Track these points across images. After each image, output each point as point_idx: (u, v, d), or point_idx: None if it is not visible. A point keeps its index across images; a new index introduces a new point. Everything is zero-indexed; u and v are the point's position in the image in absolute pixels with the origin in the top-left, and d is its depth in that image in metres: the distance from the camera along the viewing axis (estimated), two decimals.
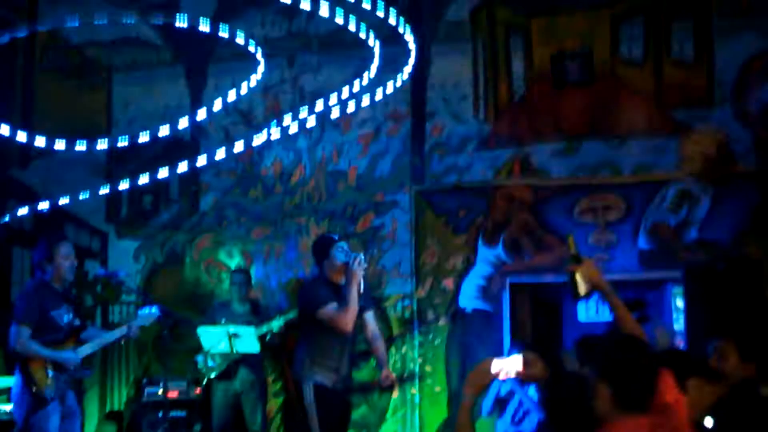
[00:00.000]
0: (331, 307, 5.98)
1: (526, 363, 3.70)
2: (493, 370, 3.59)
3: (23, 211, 8.93)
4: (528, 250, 8.18)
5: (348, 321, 5.98)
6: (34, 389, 5.86)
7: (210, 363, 7.81)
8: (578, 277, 3.49)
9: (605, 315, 7.85)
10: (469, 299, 8.26)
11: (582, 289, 3.52)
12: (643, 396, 2.88)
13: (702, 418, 3.83)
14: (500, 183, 8.31)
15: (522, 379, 3.72)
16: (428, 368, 8.27)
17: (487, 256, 8.26)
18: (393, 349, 8.39)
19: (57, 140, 8.27)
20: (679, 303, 7.65)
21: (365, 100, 8.49)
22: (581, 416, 3.35)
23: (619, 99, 8.12)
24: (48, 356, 5.93)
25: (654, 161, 8.01)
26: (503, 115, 8.43)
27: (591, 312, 8.14)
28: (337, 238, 6.45)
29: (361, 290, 6.10)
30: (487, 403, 7.67)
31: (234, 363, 7.69)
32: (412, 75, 8.38)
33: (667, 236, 7.89)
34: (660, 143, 8.01)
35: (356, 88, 8.39)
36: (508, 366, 3.62)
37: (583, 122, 8.19)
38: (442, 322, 8.30)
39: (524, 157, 8.29)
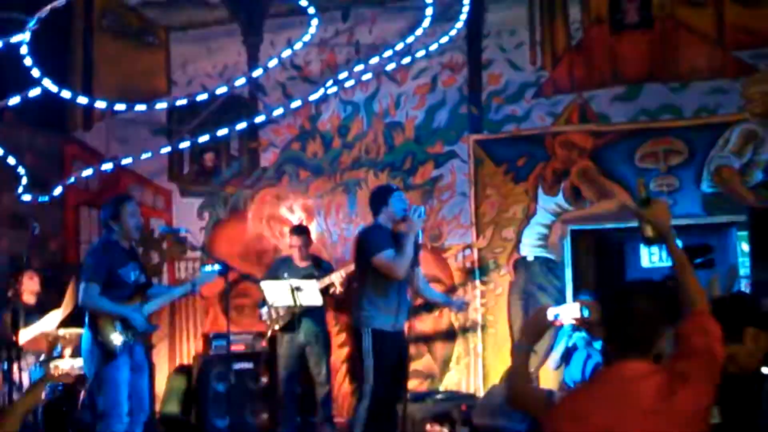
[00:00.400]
0: (387, 254, 6.06)
1: (582, 310, 3.68)
2: (549, 317, 3.58)
3: (88, 172, 9.13)
4: (589, 197, 8.13)
5: (402, 268, 6.06)
6: (103, 343, 6.02)
7: (274, 316, 7.93)
8: (648, 221, 3.43)
9: (670, 260, 7.81)
10: (530, 248, 8.25)
11: (650, 232, 3.47)
12: (637, 343, 2.89)
13: (759, 367, 3.78)
14: (559, 130, 8.24)
15: (579, 326, 3.70)
16: (491, 317, 8.30)
17: (548, 204, 8.23)
18: (454, 298, 8.41)
19: (117, 102, 8.42)
20: (745, 247, 7.54)
21: (421, 51, 8.48)
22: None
23: (680, 41, 7.96)
24: (116, 312, 6.07)
25: (717, 103, 7.87)
26: (561, 61, 8.33)
27: (655, 257, 8.06)
28: (395, 188, 6.50)
29: (419, 241, 6.14)
30: (556, 356, 7.71)
31: (298, 316, 7.76)
32: (467, 24, 8.34)
33: (731, 179, 7.78)
34: (722, 85, 7.86)
35: (411, 40, 8.38)
36: (564, 313, 3.61)
37: (642, 66, 8.06)
38: (503, 271, 8.30)
39: (583, 104, 8.20)
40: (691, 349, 2.87)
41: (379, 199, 6.41)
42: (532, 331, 3.57)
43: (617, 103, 8.10)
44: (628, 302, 2.92)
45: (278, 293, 7.62)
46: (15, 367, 6.86)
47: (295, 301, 7.60)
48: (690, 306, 3.03)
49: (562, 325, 3.72)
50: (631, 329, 2.88)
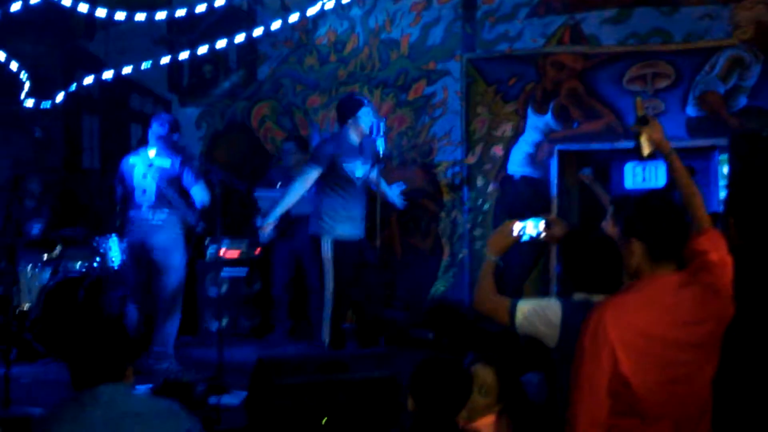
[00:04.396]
0: (308, 170, 6.50)
1: (548, 224, 3.86)
2: (515, 231, 3.80)
3: (89, 79, 9.29)
4: (577, 117, 8.30)
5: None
6: None
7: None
8: (643, 138, 3.55)
9: (653, 182, 8.03)
10: (517, 166, 8.45)
11: (646, 149, 3.57)
12: (676, 246, 3.00)
13: None
14: (550, 51, 8.38)
15: (544, 240, 3.89)
16: (477, 232, 8.55)
17: (537, 124, 8.41)
18: (443, 214, 8.69)
19: (117, 10, 8.54)
20: (725, 170, 7.74)
21: None
22: (595, 271, 3.59)
23: None
24: None
25: (705, 28, 7.98)
26: None
27: (638, 179, 8.24)
28: (366, 101, 6.70)
29: (378, 151, 6.61)
30: None
31: (292, 223, 7.98)
32: None
33: (716, 103, 7.94)
34: (712, 10, 7.95)
35: None
36: (529, 228, 3.82)
37: None
38: (491, 187, 8.52)
39: (575, 25, 8.31)
40: (712, 263, 3.06)
41: (348, 109, 6.61)
42: (498, 244, 3.81)
43: (608, 26, 8.21)
44: (664, 209, 3.02)
45: (271, 203, 7.82)
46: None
47: (289, 210, 7.81)
48: (698, 223, 3.20)
49: (529, 238, 3.88)
50: (668, 235, 2.98)
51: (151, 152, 6.89)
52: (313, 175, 6.43)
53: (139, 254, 6.88)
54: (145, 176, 6.81)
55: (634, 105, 3.68)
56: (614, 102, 8.14)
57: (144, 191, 6.82)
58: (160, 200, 6.80)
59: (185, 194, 6.86)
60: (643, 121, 3.51)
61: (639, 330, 2.87)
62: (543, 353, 3.68)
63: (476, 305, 3.68)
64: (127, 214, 6.94)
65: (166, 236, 6.83)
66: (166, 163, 6.83)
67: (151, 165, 6.82)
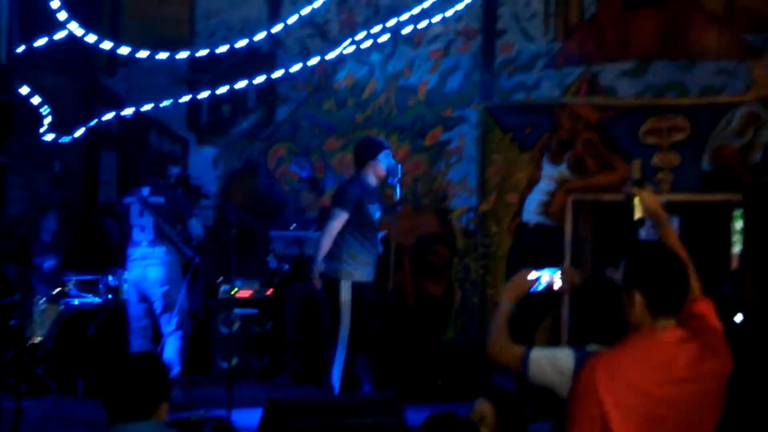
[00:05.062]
0: (337, 213, 6.46)
1: (563, 274, 3.85)
2: (530, 280, 3.79)
3: (109, 115, 9.39)
4: (592, 168, 8.32)
5: (324, 238, 6.51)
6: None
7: (281, 265, 8.21)
8: (636, 202, 3.52)
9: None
10: (532, 214, 8.46)
11: (638, 213, 3.52)
12: (677, 300, 2.97)
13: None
14: (567, 101, 8.42)
15: (559, 290, 3.87)
16: (489, 278, 8.55)
17: (552, 173, 8.42)
18: (456, 259, 8.69)
19: (140, 49, 8.65)
20: (738, 225, 7.73)
21: (437, 17, 8.66)
22: (607, 321, 3.58)
23: (690, 20, 8.09)
24: None
25: (722, 84, 8.02)
26: (573, 33, 8.49)
27: (652, 231, 8.25)
28: (386, 144, 6.75)
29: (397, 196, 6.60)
30: None
31: (305, 265, 8.00)
32: None
33: (731, 158, 7.96)
34: (729, 65, 8.00)
35: (428, 4, 8.56)
36: (545, 277, 3.82)
37: (652, 43, 8.20)
38: (504, 235, 8.52)
39: (592, 77, 8.37)
40: (711, 325, 3.04)
41: (368, 152, 6.65)
42: (513, 292, 3.80)
43: (625, 78, 8.26)
44: (667, 261, 2.99)
45: (286, 243, 7.88)
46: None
47: (302, 252, 7.86)
48: (692, 292, 3.12)
49: (544, 288, 3.86)
50: (669, 287, 2.94)
51: (146, 190, 7.13)
52: (342, 218, 6.43)
53: (141, 289, 7.10)
54: (142, 214, 7.00)
55: (632, 166, 3.65)
56: (630, 154, 8.12)
57: (142, 228, 7.04)
58: (158, 236, 7.03)
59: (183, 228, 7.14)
60: (639, 184, 3.50)
61: (631, 386, 2.84)
62: (554, 402, 3.67)
63: (489, 352, 3.67)
64: (127, 251, 7.15)
65: (166, 271, 7.07)
66: (161, 199, 7.07)
67: (147, 203, 6.98)
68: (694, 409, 2.89)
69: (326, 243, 6.44)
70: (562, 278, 3.80)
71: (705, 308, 3.10)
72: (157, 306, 7.07)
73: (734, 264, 7.69)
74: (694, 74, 8.09)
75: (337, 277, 6.48)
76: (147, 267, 7.04)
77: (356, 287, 6.46)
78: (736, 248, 7.86)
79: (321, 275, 6.50)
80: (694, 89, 8.09)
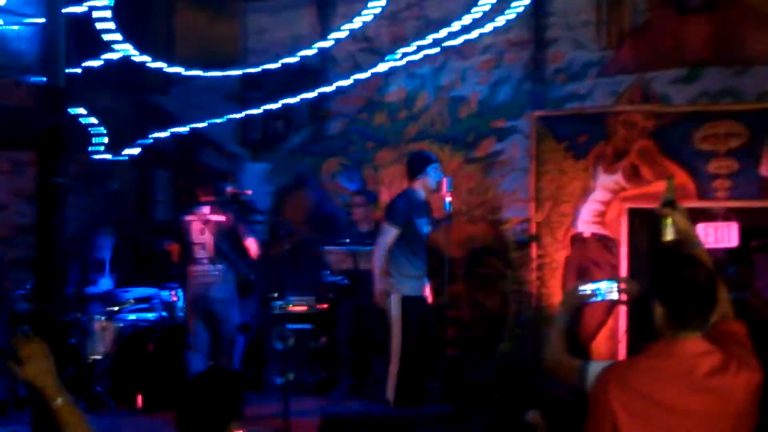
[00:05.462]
0: (389, 230, 6.48)
1: (621, 286, 3.80)
2: (588, 291, 3.73)
3: (163, 134, 9.50)
4: (647, 176, 8.22)
5: (377, 254, 6.57)
6: None
7: (337, 280, 8.22)
8: (668, 222, 3.45)
9: (725, 242, 7.89)
10: (586, 224, 8.38)
11: (669, 235, 3.44)
12: (697, 315, 2.87)
13: None
14: (621, 109, 8.33)
15: (616, 302, 3.81)
16: (544, 290, 8.47)
17: (606, 182, 8.34)
18: (510, 271, 8.64)
19: (193, 68, 8.75)
20: None
21: (487, 27, 8.63)
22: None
23: (744, 25, 7.98)
24: None
25: None
26: (625, 41, 8.42)
27: (710, 239, 8.12)
28: (434, 158, 6.74)
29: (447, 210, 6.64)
30: None
31: (358, 279, 8.01)
32: (533, 1, 8.45)
33: None
34: None
35: (478, 15, 8.53)
36: (602, 288, 3.76)
37: (705, 49, 8.10)
38: (559, 246, 8.45)
39: (645, 84, 8.28)
40: (741, 341, 2.97)
41: (418, 166, 6.71)
42: (569, 304, 3.76)
43: (679, 85, 8.17)
44: (690, 273, 2.90)
45: (340, 258, 7.89)
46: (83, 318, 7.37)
47: (356, 266, 7.86)
48: (723, 316, 3.06)
49: (601, 300, 3.79)
50: (689, 300, 2.86)
51: (206, 209, 7.20)
52: (393, 233, 6.47)
53: (201, 306, 7.22)
54: (202, 232, 7.08)
55: (667, 184, 3.54)
56: (686, 161, 8.04)
57: (203, 246, 7.15)
58: (218, 254, 7.17)
59: (238, 246, 7.28)
60: (671, 205, 3.40)
61: (643, 396, 2.78)
62: None
63: (546, 366, 3.62)
64: (187, 269, 7.28)
65: (225, 289, 7.24)
66: (220, 218, 7.22)
67: (207, 221, 7.07)
68: (713, 421, 2.80)
69: (380, 260, 6.44)
70: (619, 289, 3.75)
71: (737, 328, 3.02)
72: (216, 324, 7.14)
73: None
74: (749, 79, 7.97)
75: (386, 291, 6.50)
76: (207, 285, 7.14)
77: (406, 301, 6.45)
78: None
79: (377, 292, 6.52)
80: (749, 95, 7.96)
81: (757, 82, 7.91)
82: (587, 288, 3.71)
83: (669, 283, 2.90)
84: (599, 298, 3.76)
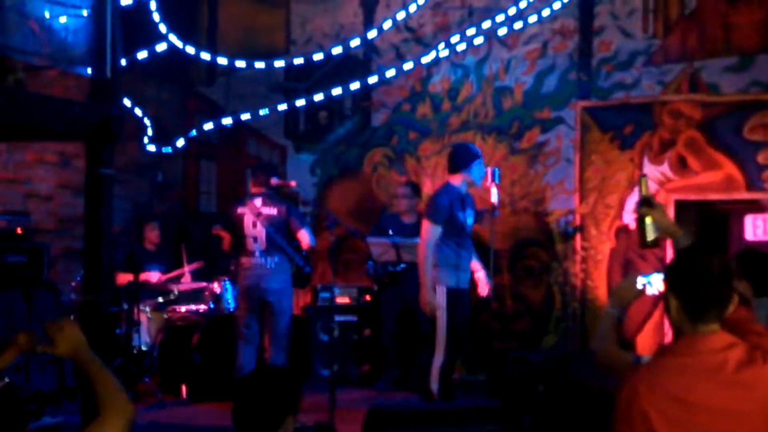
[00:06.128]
0: (432, 227, 6.44)
1: None
2: (639, 285, 3.69)
3: (209, 125, 9.56)
4: (695, 167, 8.13)
5: (422, 250, 6.52)
6: None
7: (379, 271, 8.22)
8: (648, 221, 3.35)
9: None
10: (632, 216, 8.29)
11: (650, 234, 3.39)
12: (713, 307, 2.76)
13: None
14: (668, 99, 8.24)
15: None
16: (590, 283, 8.41)
17: (653, 173, 8.25)
18: (555, 264, 8.59)
19: (238, 59, 8.78)
20: None
21: (533, 17, 8.58)
22: None
23: None
24: None
25: None
26: (673, 29, 8.31)
27: (759, 231, 8.02)
28: (480, 153, 6.73)
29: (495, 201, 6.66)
30: None
31: (403, 271, 8.00)
32: None
33: None
34: None
35: (524, 4, 8.49)
36: (654, 281, 3.72)
37: (755, 37, 7.98)
38: (605, 238, 8.39)
39: (693, 73, 8.17)
40: (756, 329, 2.97)
41: (463, 159, 6.62)
42: (620, 297, 3.71)
43: (728, 74, 8.05)
44: (704, 265, 2.79)
45: (383, 250, 7.87)
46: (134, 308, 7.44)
47: (399, 258, 7.83)
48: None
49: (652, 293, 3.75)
50: (703, 292, 2.76)
51: (258, 201, 7.18)
52: (436, 232, 6.44)
53: (254, 298, 7.18)
54: (254, 225, 7.12)
55: (639, 183, 3.47)
56: (735, 152, 7.95)
57: (255, 239, 7.17)
58: (271, 246, 7.15)
59: (292, 238, 7.22)
60: (648, 204, 3.34)
61: (674, 396, 2.67)
62: None
63: (598, 360, 3.58)
64: (240, 261, 7.26)
65: (279, 280, 7.19)
66: (273, 210, 7.19)
67: (259, 214, 7.09)
68: (751, 417, 2.68)
69: (427, 258, 6.42)
70: None
71: (745, 315, 3.01)
72: (270, 315, 7.15)
73: None
74: None
75: (432, 283, 6.46)
76: (260, 277, 7.16)
77: (451, 293, 6.44)
78: None
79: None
80: None
81: None
82: (638, 281, 3.67)
83: (682, 274, 2.80)
84: (650, 292, 3.73)
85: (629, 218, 8.31)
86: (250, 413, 2.95)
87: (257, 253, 7.16)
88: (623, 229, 8.33)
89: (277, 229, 7.15)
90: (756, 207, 7.89)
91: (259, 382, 3.04)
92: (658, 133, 8.24)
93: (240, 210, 7.25)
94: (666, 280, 2.86)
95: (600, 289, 8.39)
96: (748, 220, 7.88)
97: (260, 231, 7.15)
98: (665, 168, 8.20)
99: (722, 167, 8.01)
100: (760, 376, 2.70)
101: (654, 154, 8.24)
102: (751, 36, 8.02)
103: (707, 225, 8.34)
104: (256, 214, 7.16)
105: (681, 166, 8.16)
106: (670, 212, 8.09)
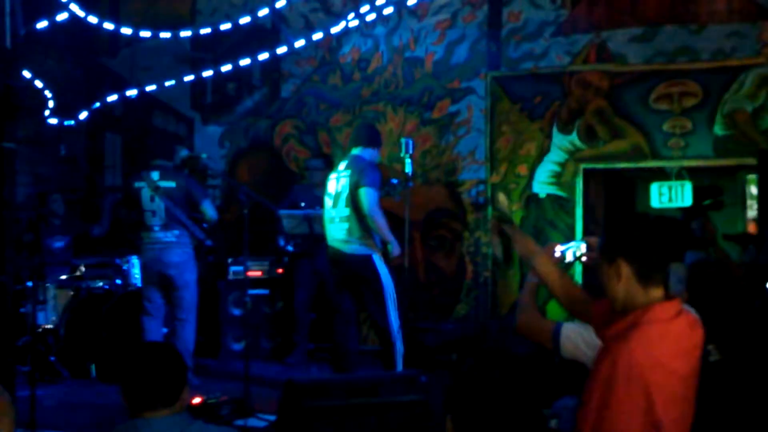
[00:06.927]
0: (376, 194, 6.45)
1: (590, 248, 3.77)
2: (557, 254, 3.71)
3: (113, 98, 9.30)
4: (603, 136, 8.24)
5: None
6: None
7: (291, 244, 8.14)
8: (495, 240, 3.42)
9: (679, 201, 7.94)
10: (542, 185, 8.39)
11: (499, 252, 3.50)
12: (664, 265, 2.81)
13: None
14: (576, 69, 8.33)
15: (586, 263, 3.78)
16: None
17: (562, 143, 8.34)
18: (467, 233, 8.62)
19: (142, 29, 8.54)
20: (754, 190, 7.65)
21: None
22: None
23: None
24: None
25: (733, 47, 7.93)
26: (580, 0, 8.38)
27: (664, 198, 8.17)
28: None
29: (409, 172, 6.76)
30: None
31: (315, 243, 7.93)
32: None
33: (743, 122, 7.87)
34: (740, 28, 7.93)
35: None
36: (571, 250, 3.74)
37: (661, 8, 8.10)
38: (515, 207, 8.46)
39: (601, 44, 8.27)
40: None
41: (378, 137, 6.82)
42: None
43: (634, 44, 8.17)
44: (652, 226, 2.83)
45: (295, 222, 7.80)
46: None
47: (311, 230, 7.77)
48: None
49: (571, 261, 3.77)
50: (658, 253, 2.79)
51: (155, 174, 7.10)
52: (378, 197, 6.50)
53: (155, 273, 7.11)
54: (153, 199, 7.01)
55: (496, 200, 3.54)
56: (641, 121, 8.09)
57: (154, 213, 7.06)
58: (170, 220, 7.06)
59: (194, 211, 7.18)
60: (506, 221, 3.41)
61: (663, 366, 2.67)
62: (582, 377, 3.60)
63: (518, 328, 3.60)
64: (140, 236, 7.17)
65: (179, 253, 7.11)
66: (171, 183, 7.07)
67: (157, 188, 6.98)
68: (691, 379, 2.76)
69: (383, 219, 6.43)
70: (588, 251, 3.73)
71: None
72: (173, 289, 7.05)
73: (752, 229, 7.62)
74: (704, 38, 8.00)
75: (369, 253, 6.46)
76: (161, 251, 7.05)
77: (384, 258, 6.52)
78: (751, 213, 7.80)
79: (359, 256, 6.50)
80: (705, 54, 8.00)
81: (712, 41, 7.95)
82: (556, 250, 3.69)
83: (634, 240, 2.81)
84: (569, 260, 3.75)
85: (539, 187, 8.38)
86: (142, 391, 2.91)
87: (156, 228, 7.05)
88: (534, 198, 8.40)
89: (176, 203, 7.03)
90: (662, 174, 8.04)
91: (145, 362, 2.98)
92: (566, 103, 8.32)
93: (137, 184, 7.11)
94: (613, 247, 2.84)
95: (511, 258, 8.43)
96: (654, 188, 8.03)
97: (158, 205, 7.03)
98: (574, 137, 8.29)
99: (629, 136, 8.14)
100: (698, 340, 2.78)
101: (563, 123, 8.33)
102: (656, 7, 8.15)
103: (615, 193, 8.49)
104: (153, 188, 7.03)
105: (589, 135, 8.26)
106: (579, 180, 8.22)
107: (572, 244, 3.70)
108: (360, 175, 6.40)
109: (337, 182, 6.63)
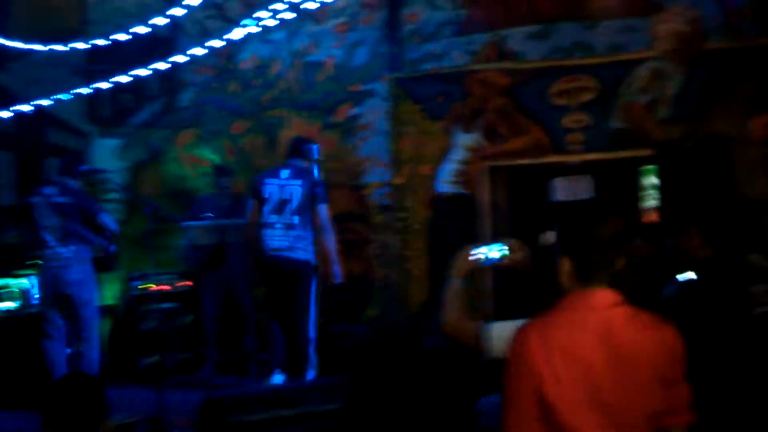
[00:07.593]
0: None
1: (509, 249, 3.78)
2: (474, 255, 3.71)
3: (4, 114, 9.00)
4: (505, 133, 8.32)
5: None
6: None
7: (197, 255, 8.01)
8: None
9: (581, 195, 8.07)
10: (445, 184, 8.43)
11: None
12: (607, 265, 2.77)
13: None
14: (476, 68, 8.39)
15: (506, 264, 3.78)
16: (408, 252, 8.49)
17: (465, 142, 8.40)
18: (374, 236, 8.61)
19: (33, 42, 8.29)
20: (652, 180, 7.81)
21: None
22: (541, 288, 3.51)
23: None
24: None
25: (627, 42, 8.09)
26: (478, 0, 8.46)
27: (566, 193, 8.29)
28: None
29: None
30: None
31: (221, 253, 7.83)
32: None
33: (638, 115, 8.04)
34: (632, 23, 8.08)
35: None
36: (490, 251, 3.74)
37: (556, 5, 8.23)
38: (420, 208, 8.47)
39: (499, 42, 8.36)
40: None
41: (306, 148, 7.02)
42: (459, 267, 3.72)
43: (532, 41, 8.28)
44: (596, 223, 2.78)
45: (200, 233, 7.69)
46: None
47: (219, 239, 7.67)
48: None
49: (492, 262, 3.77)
50: (596, 252, 2.74)
51: (49, 190, 6.96)
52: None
53: (54, 291, 6.95)
54: (49, 215, 6.86)
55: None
56: (542, 117, 8.19)
57: (51, 229, 6.89)
58: (66, 236, 6.89)
59: (92, 224, 7.02)
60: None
61: (562, 350, 2.64)
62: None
63: (444, 329, 3.59)
64: (38, 253, 7.00)
65: (78, 270, 6.94)
66: (66, 199, 6.92)
67: (51, 204, 6.84)
68: (626, 376, 2.67)
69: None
70: (508, 252, 3.73)
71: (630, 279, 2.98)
72: (74, 308, 6.86)
73: (646, 218, 7.77)
74: (599, 34, 8.15)
75: (313, 261, 6.77)
76: (59, 268, 6.86)
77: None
78: (647, 203, 7.95)
79: (304, 263, 6.73)
80: (600, 49, 8.15)
81: (606, 36, 8.10)
82: (472, 252, 3.69)
83: (579, 238, 2.78)
84: (487, 262, 3.75)
85: (442, 187, 8.42)
86: (59, 424, 2.84)
87: (52, 244, 6.87)
88: (439, 198, 8.43)
89: (71, 218, 6.87)
90: (564, 169, 8.15)
91: (67, 393, 2.90)
92: (468, 102, 8.38)
93: (32, 201, 6.92)
94: (559, 242, 2.83)
95: (419, 259, 8.48)
96: (556, 183, 8.14)
97: (54, 221, 6.87)
98: (477, 136, 8.36)
99: (530, 132, 8.24)
100: (641, 339, 2.70)
101: (466, 122, 8.39)
102: (551, 4, 8.27)
103: (517, 189, 8.57)
104: (47, 205, 6.84)
105: (492, 133, 8.33)
106: (485, 180, 8.28)
107: (493, 245, 3.70)
108: (318, 189, 6.78)
109: (281, 190, 6.73)
